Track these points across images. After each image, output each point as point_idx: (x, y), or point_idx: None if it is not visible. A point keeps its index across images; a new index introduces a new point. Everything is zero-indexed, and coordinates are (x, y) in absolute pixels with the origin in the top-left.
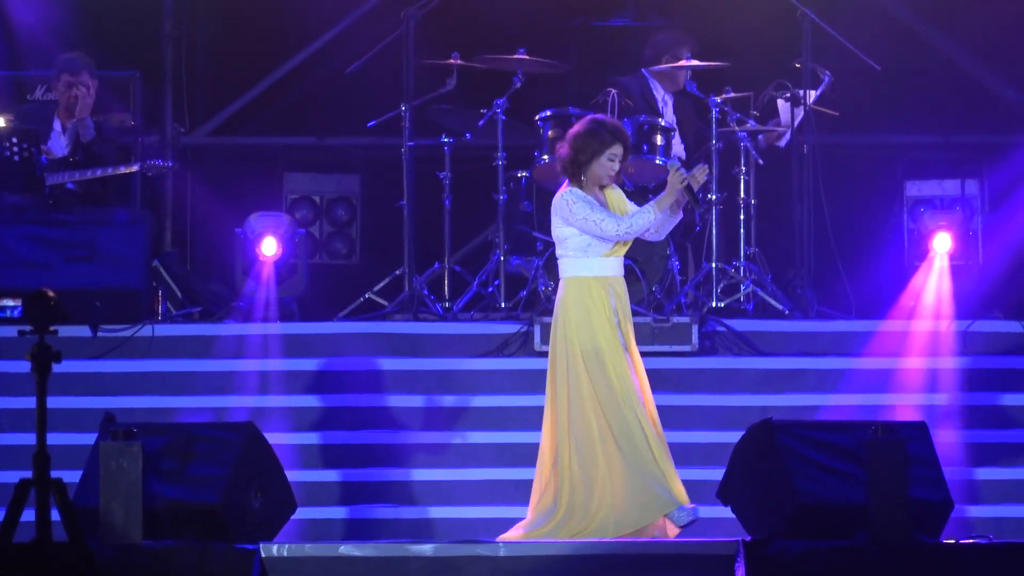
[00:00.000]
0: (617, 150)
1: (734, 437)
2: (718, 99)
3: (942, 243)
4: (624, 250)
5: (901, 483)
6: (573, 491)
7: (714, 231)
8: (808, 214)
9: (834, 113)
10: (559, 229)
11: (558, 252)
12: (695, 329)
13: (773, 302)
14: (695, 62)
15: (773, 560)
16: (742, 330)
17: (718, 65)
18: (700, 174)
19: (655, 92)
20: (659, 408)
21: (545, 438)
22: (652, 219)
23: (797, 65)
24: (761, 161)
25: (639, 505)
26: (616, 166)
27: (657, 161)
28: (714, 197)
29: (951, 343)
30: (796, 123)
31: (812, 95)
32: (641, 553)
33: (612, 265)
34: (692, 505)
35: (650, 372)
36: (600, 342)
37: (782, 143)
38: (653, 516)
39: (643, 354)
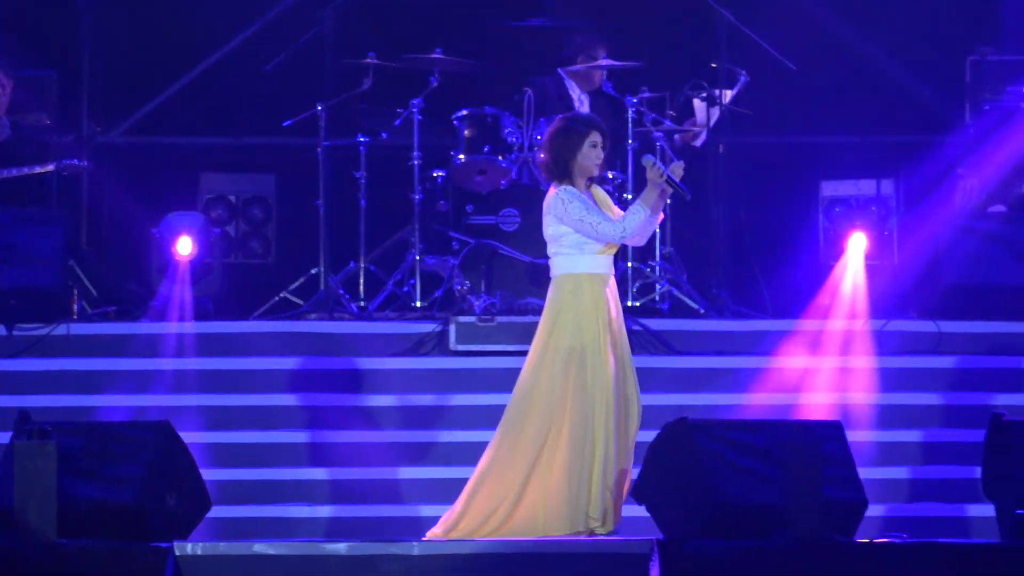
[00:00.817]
0: (596, 137)
1: (650, 436)
2: (634, 99)
3: (857, 243)
4: (616, 248)
5: (816, 482)
6: (505, 487)
7: None
8: (724, 214)
9: (749, 113)
10: (552, 228)
11: (551, 250)
12: None
13: (689, 301)
14: (610, 62)
15: (687, 559)
16: (658, 329)
17: (633, 65)
18: (677, 169)
19: (571, 92)
20: None
21: (506, 431)
22: (643, 217)
23: (713, 65)
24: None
25: (567, 516)
26: (600, 152)
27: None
28: (630, 197)
29: (866, 343)
30: (712, 123)
31: (728, 95)
32: (555, 552)
33: (606, 263)
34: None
35: None
36: (587, 343)
37: (698, 143)
38: (577, 529)
39: None
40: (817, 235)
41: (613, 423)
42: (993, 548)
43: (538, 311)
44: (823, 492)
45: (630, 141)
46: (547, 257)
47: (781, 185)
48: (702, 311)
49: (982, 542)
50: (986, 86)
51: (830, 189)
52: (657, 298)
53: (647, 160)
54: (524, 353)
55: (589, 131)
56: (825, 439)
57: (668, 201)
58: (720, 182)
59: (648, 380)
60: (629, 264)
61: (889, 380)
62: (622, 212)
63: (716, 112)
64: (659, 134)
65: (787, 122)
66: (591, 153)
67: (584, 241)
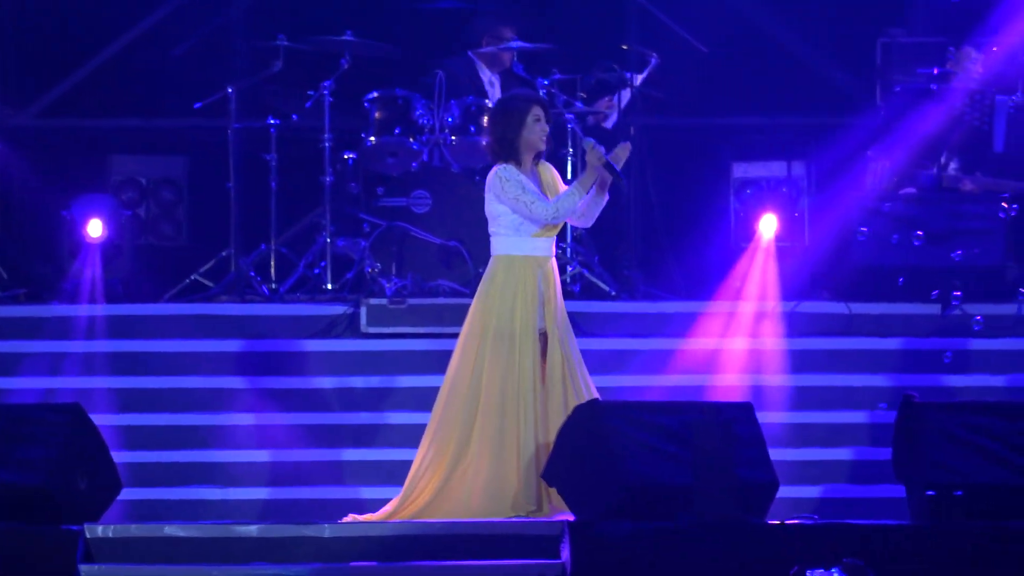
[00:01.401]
0: (537, 111)
1: None
2: (545, 81)
3: (768, 224)
4: (556, 231)
5: (727, 463)
6: (436, 472)
7: None
8: (635, 196)
9: (660, 95)
10: (491, 206)
11: (491, 229)
12: None
13: (600, 283)
14: (521, 43)
15: (598, 541)
16: (569, 311)
17: (543, 47)
18: (623, 152)
19: (481, 74)
20: None
21: (435, 413)
22: (578, 200)
23: (624, 47)
24: None
25: (488, 503)
26: (545, 126)
27: (484, 143)
28: None
29: (777, 324)
30: (623, 105)
31: (639, 78)
32: (466, 533)
33: (543, 245)
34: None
35: None
36: (516, 326)
37: (609, 124)
38: (507, 515)
39: None
40: (728, 217)
41: (541, 407)
42: (903, 529)
43: (449, 293)
44: (734, 473)
45: None
46: (458, 240)
47: (692, 167)
48: (613, 293)
49: (892, 523)
50: (897, 68)
51: (741, 171)
52: (568, 280)
53: (587, 143)
54: (435, 335)
55: (530, 106)
56: (736, 420)
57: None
58: (631, 164)
59: None
60: None
61: (800, 361)
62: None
63: (627, 94)
64: (570, 116)
65: (698, 104)
66: (535, 128)
67: (521, 222)
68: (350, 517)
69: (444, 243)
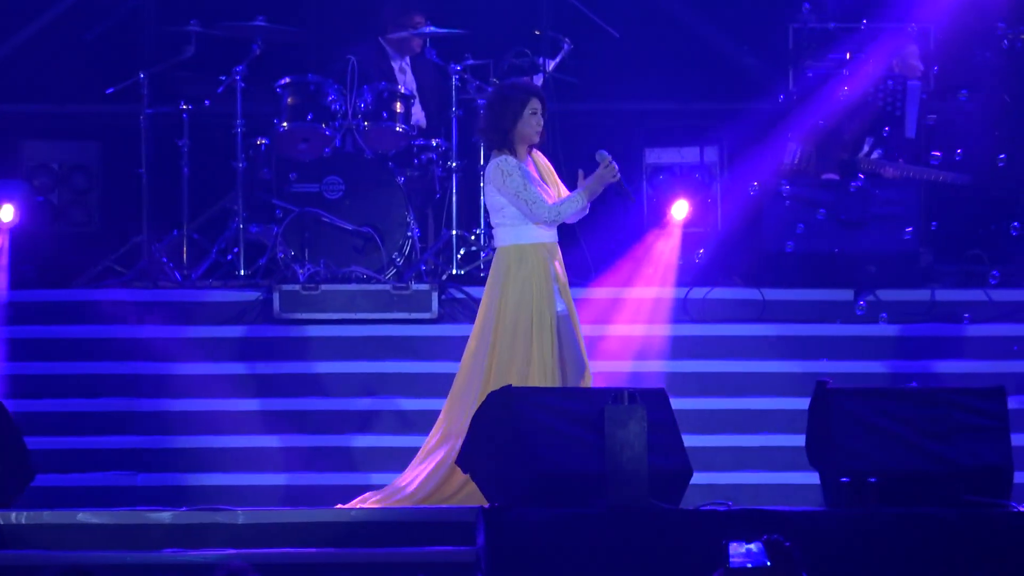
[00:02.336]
0: (535, 104)
1: None
2: (458, 66)
3: (680, 210)
4: None
5: (640, 450)
6: (447, 458)
7: (454, 198)
8: None
9: (573, 80)
10: (493, 198)
11: (494, 221)
12: (435, 296)
13: None
14: (434, 29)
15: (511, 527)
16: (481, 297)
17: (454, 32)
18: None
19: (392, 61)
20: (396, 376)
21: (449, 403)
22: (580, 207)
23: (537, 33)
24: None
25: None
26: (540, 119)
27: (397, 128)
28: (454, 164)
29: (689, 310)
30: None
31: (551, 63)
32: (383, 520)
33: (549, 232)
34: None
35: (389, 340)
36: (533, 316)
37: None
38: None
39: (382, 322)
40: (641, 202)
41: None
42: (817, 515)
43: (362, 279)
44: (647, 460)
45: (454, 109)
46: (371, 226)
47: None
48: None
49: (806, 509)
50: (808, 53)
51: (653, 156)
52: (482, 266)
53: (602, 156)
54: (348, 321)
55: (529, 98)
56: (649, 407)
57: None
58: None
59: None
60: (454, 232)
61: (714, 347)
62: (560, 182)
63: (539, 79)
64: (483, 101)
65: (610, 89)
66: (531, 120)
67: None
68: (338, 507)
69: (357, 229)
